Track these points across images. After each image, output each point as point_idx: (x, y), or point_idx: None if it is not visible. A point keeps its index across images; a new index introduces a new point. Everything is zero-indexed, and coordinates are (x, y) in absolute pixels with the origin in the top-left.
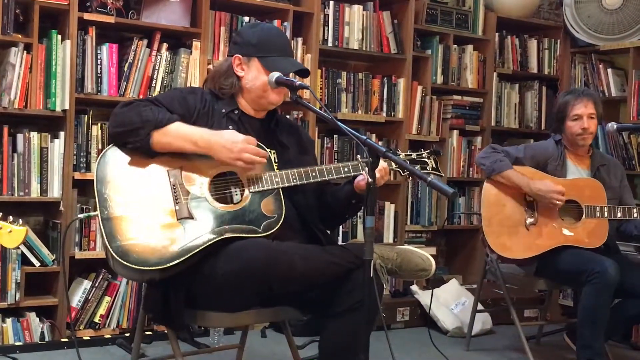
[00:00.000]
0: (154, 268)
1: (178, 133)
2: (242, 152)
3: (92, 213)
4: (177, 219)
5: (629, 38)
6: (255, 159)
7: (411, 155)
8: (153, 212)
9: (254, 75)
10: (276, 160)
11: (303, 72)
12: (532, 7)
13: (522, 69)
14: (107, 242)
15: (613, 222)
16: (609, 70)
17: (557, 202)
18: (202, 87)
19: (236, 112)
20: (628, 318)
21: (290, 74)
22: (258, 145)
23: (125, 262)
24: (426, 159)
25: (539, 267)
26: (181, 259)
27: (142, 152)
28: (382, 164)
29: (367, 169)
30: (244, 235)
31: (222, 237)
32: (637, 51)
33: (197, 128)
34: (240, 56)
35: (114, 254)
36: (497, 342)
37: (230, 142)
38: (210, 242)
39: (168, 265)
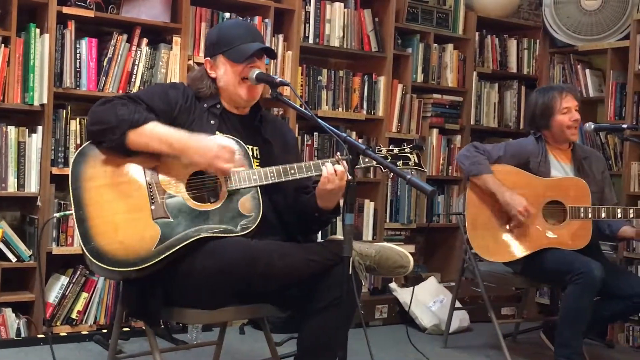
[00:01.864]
0: (129, 269)
1: (153, 134)
2: (215, 159)
3: (68, 212)
4: (153, 219)
5: (607, 39)
6: (225, 168)
7: (393, 150)
8: (129, 211)
9: (222, 72)
10: (259, 157)
11: (271, 54)
12: (512, 7)
13: (502, 69)
14: (81, 243)
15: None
16: (587, 70)
17: (520, 218)
18: (184, 83)
19: (218, 106)
20: (604, 318)
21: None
22: (237, 144)
23: (100, 264)
24: (408, 154)
25: (524, 266)
26: (156, 260)
27: (118, 151)
28: (334, 168)
29: (328, 165)
30: (220, 235)
31: (198, 237)
32: (615, 52)
33: (174, 129)
34: (209, 58)
35: (89, 255)
36: (475, 340)
37: (205, 147)
38: (186, 243)
39: (143, 266)
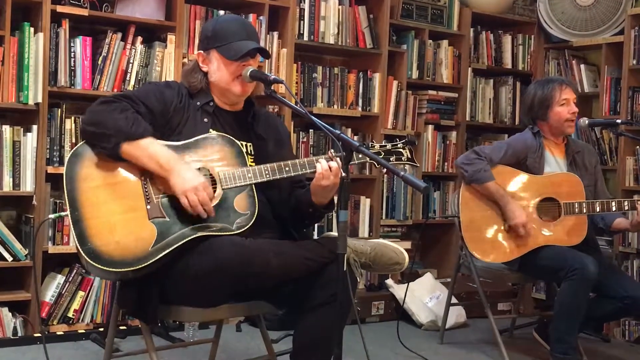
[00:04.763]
0: (126, 269)
1: (146, 151)
2: (191, 192)
3: (63, 213)
4: (150, 219)
5: (601, 34)
6: (198, 208)
7: (386, 146)
8: (125, 212)
9: (215, 67)
10: (252, 153)
11: (264, 54)
12: (507, 3)
13: (497, 65)
14: (77, 244)
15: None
16: (582, 66)
17: (519, 231)
18: (177, 82)
19: (211, 104)
20: (600, 316)
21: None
22: (231, 142)
23: (96, 265)
24: (401, 149)
25: (521, 264)
26: (153, 260)
27: (109, 157)
28: (328, 164)
29: (322, 161)
30: (216, 234)
31: (194, 236)
32: (609, 47)
33: (167, 150)
34: (202, 51)
35: (85, 257)
36: (471, 335)
37: (189, 177)
38: (182, 242)
39: (140, 266)
